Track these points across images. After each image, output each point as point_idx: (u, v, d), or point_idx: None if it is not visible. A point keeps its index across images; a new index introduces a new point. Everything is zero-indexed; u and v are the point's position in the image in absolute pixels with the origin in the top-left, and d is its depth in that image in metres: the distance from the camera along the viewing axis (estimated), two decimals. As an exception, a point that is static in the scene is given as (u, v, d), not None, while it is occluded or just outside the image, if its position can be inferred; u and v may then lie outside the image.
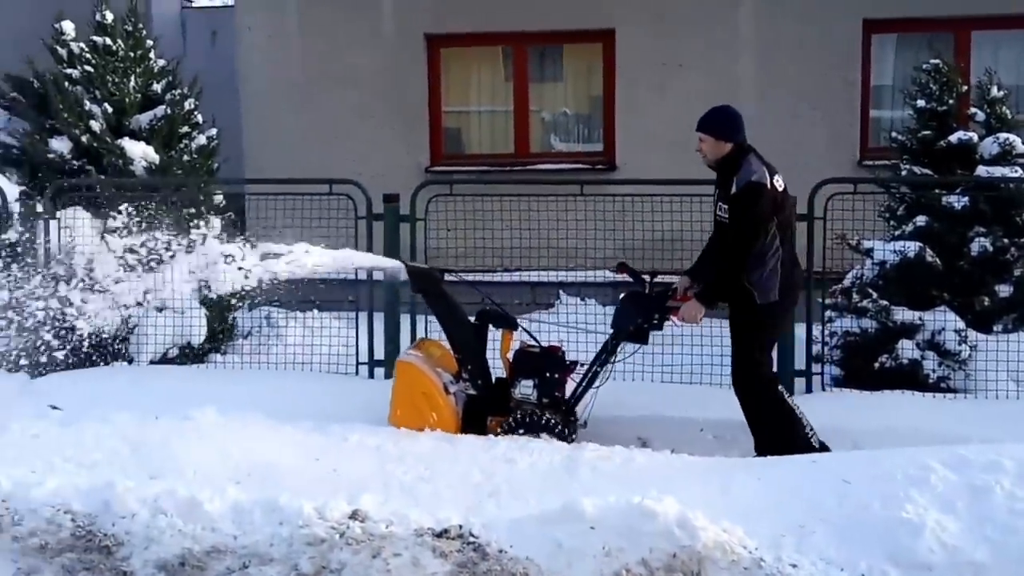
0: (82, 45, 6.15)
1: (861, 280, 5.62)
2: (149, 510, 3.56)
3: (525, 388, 4.64)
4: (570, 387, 4.69)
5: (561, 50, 8.45)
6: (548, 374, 4.60)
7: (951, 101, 5.85)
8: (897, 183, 5.82)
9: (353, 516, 3.52)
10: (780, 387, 4.48)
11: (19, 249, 5.62)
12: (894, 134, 6.15)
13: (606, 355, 4.63)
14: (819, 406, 5.14)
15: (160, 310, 5.90)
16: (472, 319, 4.74)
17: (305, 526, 3.44)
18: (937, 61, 5.98)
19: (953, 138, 5.72)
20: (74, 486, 3.74)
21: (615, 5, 7.97)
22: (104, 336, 5.73)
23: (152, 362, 5.84)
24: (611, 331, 4.63)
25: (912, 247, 5.50)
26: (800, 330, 5.36)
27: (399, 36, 8.16)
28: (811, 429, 4.44)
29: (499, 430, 4.52)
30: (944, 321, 5.41)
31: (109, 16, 6.11)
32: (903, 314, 5.50)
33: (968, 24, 7.84)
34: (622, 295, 4.63)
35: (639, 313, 4.50)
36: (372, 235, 5.39)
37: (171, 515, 3.53)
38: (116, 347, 5.80)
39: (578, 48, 8.43)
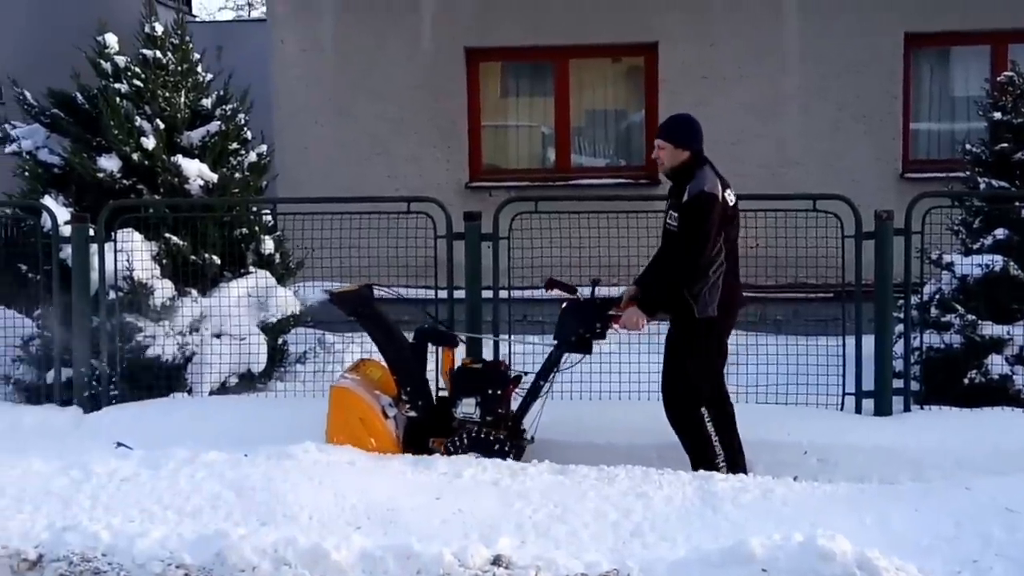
0: (128, 58, 5.81)
1: (941, 294, 5.53)
2: (270, 562, 3.31)
3: (467, 407, 4.48)
4: (516, 402, 4.53)
5: (602, 64, 8.30)
6: (490, 391, 4.43)
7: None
8: (991, 197, 5.65)
9: (496, 562, 3.30)
10: (703, 410, 4.29)
11: (72, 275, 5.26)
12: (968, 146, 6.04)
13: (550, 367, 4.50)
14: (917, 426, 4.98)
15: (218, 336, 5.59)
16: (410, 337, 4.56)
17: (446, 575, 3.21)
18: (1012, 74, 5.91)
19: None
20: (179, 536, 3.46)
21: (658, 19, 7.89)
22: (162, 366, 5.39)
23: (211, 392, 5.51)
24: (553, 342, 4.50)
25: (998, 260, 5.41)
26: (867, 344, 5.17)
27: (438, 49, 7.94)
28: (723, 461, 4.28)
29: (442, 451, 4.37)
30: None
31: (159, 28, 5.77)
32: (991, 328, 5.40)
33: (1005, 37, 7.84)
34: (563, 305, 4.51)
35: (580, 323, 4.39)
36: (452, 255, 5.11)
37: (295, 566, 3.29)
38: (173, 377, 5.47)
39: (620, 63, 8.32)
